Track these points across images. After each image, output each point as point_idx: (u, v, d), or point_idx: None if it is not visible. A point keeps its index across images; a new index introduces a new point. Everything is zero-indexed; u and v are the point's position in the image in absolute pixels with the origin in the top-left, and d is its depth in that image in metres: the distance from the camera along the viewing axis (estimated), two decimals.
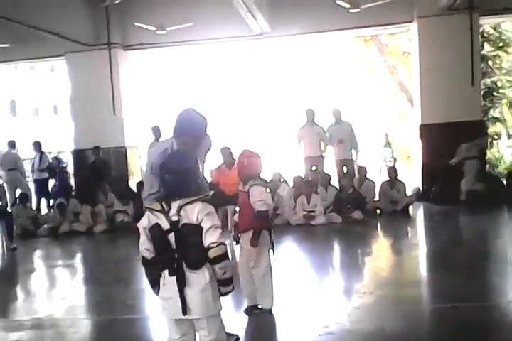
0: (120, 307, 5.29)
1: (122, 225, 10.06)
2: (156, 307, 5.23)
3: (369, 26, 12.00)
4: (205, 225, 2.95)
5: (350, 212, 9.35)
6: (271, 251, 4.68)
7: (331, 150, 11.14)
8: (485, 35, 16.00)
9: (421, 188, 11.10)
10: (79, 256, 8.95)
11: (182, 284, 2.95)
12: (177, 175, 3.01)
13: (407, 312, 4.69)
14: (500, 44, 16.54)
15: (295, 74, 34.17)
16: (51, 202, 12.63)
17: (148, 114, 21.84)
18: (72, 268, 7.86)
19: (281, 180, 10.52)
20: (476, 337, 4.06)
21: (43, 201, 12.84)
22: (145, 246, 3.04)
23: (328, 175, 10.48)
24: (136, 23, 11.34)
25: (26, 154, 14.86)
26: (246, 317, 4.66)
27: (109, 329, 4.81)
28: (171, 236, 2.97)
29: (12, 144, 13.12)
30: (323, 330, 4.31)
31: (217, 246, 2.93)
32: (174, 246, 2.97)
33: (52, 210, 11.26)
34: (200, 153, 3.95)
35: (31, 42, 12.17)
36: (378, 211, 10.05)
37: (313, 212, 9.34)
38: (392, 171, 10.37)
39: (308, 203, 9.42)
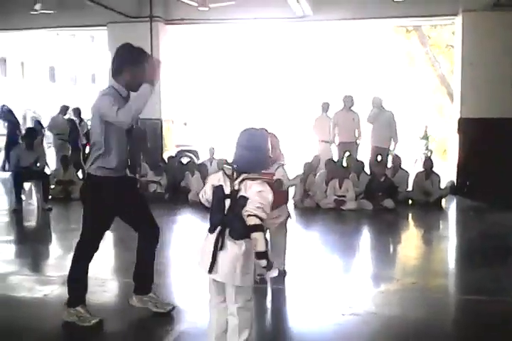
0: None
1: (154, 195, 10.18)
2: (184, 273, 5.43)
3: (413, 16, 11.88)
4: (252, 199, 3.07)
5: (381, 200, 9.32)
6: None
7: (367, 137, 11.13)
8: None
9: (455, 182, 11.01)
10: None
11: (217, 247, 3.16)
12: (247, 151, 3.21)
13: (432, 301, 4.72)
14: None
15: (334, 59, 33.98)
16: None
17: (187, 89, 21.99)
18: None
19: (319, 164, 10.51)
20: (498, 331, 4.06)
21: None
22: (207, 197, 3.32)
23: (362, 162, 10.48)
24: None
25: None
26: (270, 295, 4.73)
27: None
28: (227, 202, 3.18)
29: (64, 110, 13.37)
30: (347, 311, 4.36)
31: (248, 216, 3.04)
32: (226, 212, 3.18)
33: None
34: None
35: (75, 11, 12.28)
36: (410, 201, 9.99)
37: (344, 197, 9.35)
38: (428, 162, 10.27)
39: (340, 188, 9.42)
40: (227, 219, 3.17)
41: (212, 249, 3.17)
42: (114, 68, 4.06)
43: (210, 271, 3.19)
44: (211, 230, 3.24)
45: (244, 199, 3.11)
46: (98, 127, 3.96)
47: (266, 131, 3.53)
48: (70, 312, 4.15)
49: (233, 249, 3.14)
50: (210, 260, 3.17)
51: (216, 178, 3.29)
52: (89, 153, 4.25)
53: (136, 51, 4.08)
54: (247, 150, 3.23)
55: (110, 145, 3.97)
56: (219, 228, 3.19)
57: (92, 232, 4.20)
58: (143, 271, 4.43)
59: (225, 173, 3.23)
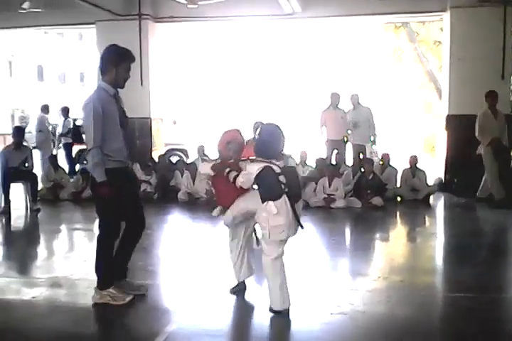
0: (139, 273, 5.39)
1: (144, 195, 10.15)
2: (175, 273, 5.43)
3: (401, 13, 11.93)
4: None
5: (370, 198, 9.35)
6: None
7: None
8: None
9: (443, 179, 11.06)
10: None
11: (295, 210, 4.20)
12: (272, 142, 4.24)
13: (419, 299, 4.76)
14: None
15: (323, 56, 33.98)
16: (77, 167, 12.92)
17: (176, 87, 21.93)
18: (92, 233, 8.00)
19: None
20: (484, 327, 4.11)
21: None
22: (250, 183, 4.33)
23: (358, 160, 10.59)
24: None
25: (52, 119, 15.03)
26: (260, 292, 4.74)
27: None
28: (281, 177, 4.15)
29: (44, 108, 13.41)
30: (336, 310, 4.39)
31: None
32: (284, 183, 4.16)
33: (75, 175, 11.46)
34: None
35: (63, 9, 12.17)
36: (399, 198, 10.05)
37: (333, 195, 9.37)
38: (413, 159, 10.32)
39: (330, 186, 9.44)
40: (290, 187, 4.16)
41: (292, 213, 4.15)
42: (100, 69, 4.46)
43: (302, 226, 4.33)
44: (274, 199, 4.09)
45: (294, 168, 4.58)
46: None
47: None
48: (102, 294, 4.50)
49: (299, 206, 4.28)
50: (297, 222, 4.23)
51: (256, 167, 4.15)
52: (87, 150, 4.55)
53: (119, 51, 4.47)
54: (271, 142, 4.23)
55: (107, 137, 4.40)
56: (284, 197, 4.10)
57: (110, 218, 4.55)
58: (123, 259, 4.75)
59: (260, 161, 4.18)
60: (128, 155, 4.62)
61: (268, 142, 4.23)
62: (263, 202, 4.17)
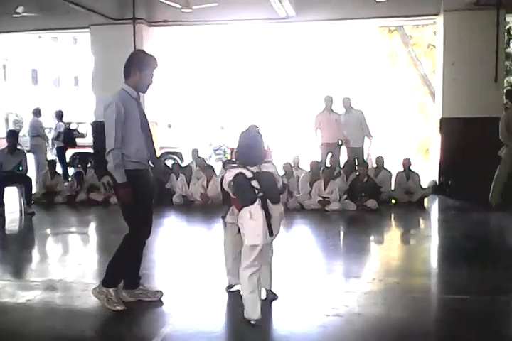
0: None
1: None
2: (168, 278, 5.42)
3: (395, 17, 11.96)
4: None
5: (364, 201, 9.37)
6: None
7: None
8: (511, 32, 15.79)
9: (437, 181, 11.09)
10: (94, 224, 9.09)
11: (269, 216, 4.08)
12: (247, 150, 4.21)
13: (415, 301, 4.77)
14: None
15: (317, 60, 34.10)
16: (69, 170, 12.91)
17: (171, 91, 21.95)
18: (86, 236, 8.02)
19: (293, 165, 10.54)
20: (481, 329, 4.11)
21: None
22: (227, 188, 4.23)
23: (353, 163, 10.58)
24: (161, 0, 11.29)
25: (47, 123, 15.04)
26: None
27: None
28: (254, 182, 4.08)
29: (36, 112, 13.43)
30: (331, 312, 4.39)
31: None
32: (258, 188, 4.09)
33: (69, 179, 11.45)
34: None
35: (57, 13, 12.14)
36: (393, 201, 10.06)
37: (328, 198, 9.38)
38: (406, 162, 10.35)
39: (325, 189, 9.45)
40: (266, 191, 4.08)
41: (264, 218, 4.03)
42: (124, 72, 4.54)
43: (272, 234, 4.11)
44: (248, 205, 4.05)
45: (270, 173, 4.19)
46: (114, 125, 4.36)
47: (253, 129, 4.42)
48: (101, 290, 4.48)
49: (278, 209, 4.20)
50: (267, 228, 4.05)
51: (231, 174, 4.10)
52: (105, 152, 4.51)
53: (145, 57, 4.57)
54: (247, 149, 4.21)
55: (127, 138, 4.40)
56: (258, 202, 4.05)
57: (138, 222, 4.53)
58: (133, 267, 4.70)
59: (235, 167, 4.16)
60: (148, 158, 4.61)
61: (246, 148, 4.23)
62: (241, 209, 4.13)
